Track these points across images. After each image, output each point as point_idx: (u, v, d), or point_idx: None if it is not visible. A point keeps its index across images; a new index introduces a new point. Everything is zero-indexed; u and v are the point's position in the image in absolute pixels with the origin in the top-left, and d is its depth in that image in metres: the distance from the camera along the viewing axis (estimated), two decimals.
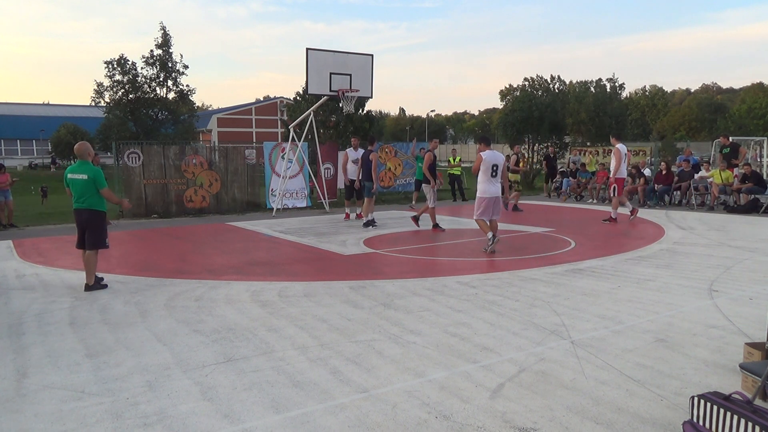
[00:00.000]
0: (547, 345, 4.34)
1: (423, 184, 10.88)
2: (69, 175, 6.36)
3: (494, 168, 8.16)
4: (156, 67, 34.90)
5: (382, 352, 4.24)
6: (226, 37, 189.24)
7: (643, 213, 13.28)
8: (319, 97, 14.34)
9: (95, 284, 6.40)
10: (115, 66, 34.24)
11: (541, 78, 35.00)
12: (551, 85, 34.94)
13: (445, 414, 3.23)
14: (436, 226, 10.70)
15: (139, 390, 3.60)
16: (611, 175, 11.80)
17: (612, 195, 11.90)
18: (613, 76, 40.96)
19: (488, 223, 8.42)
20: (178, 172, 14.29)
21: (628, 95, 58.03)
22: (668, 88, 79.83)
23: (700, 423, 2.74)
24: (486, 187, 8.26)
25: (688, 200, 14.77)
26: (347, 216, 12.86)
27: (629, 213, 11.79)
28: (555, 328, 4.74)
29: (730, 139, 16.32)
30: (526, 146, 32.10)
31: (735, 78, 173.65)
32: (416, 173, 15.57)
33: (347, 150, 12.83)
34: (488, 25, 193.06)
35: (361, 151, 12.53)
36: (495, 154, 8.26)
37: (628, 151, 12.24)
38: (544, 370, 3.86)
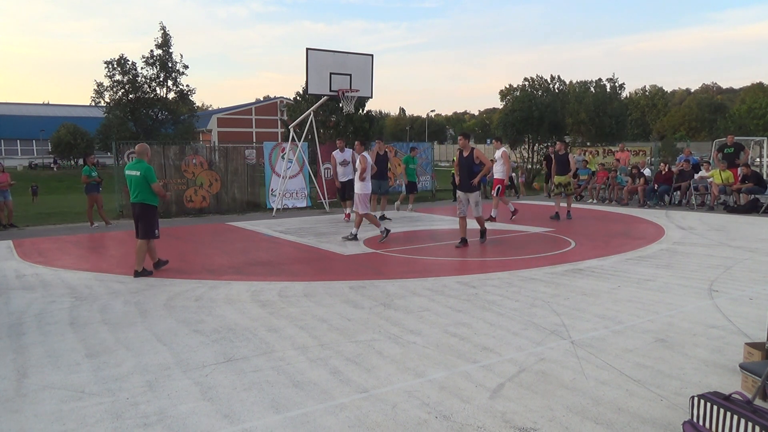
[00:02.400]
0: (547, 345, 4.34)
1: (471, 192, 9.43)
2: (126, 172, 7.20)
3: (372, 167, 9.85)
4: (156, 67, 34.96)
5: (382, 352, 4.24)
6: (226, 37, 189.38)
7: (643, 213, 13.28)
8: (319, 97, 14.34)
9: (143, 271, 7.07)
10: (115, 66, 34.30)
11: (541, 78, 34.97)
12: (551, 85, 34.90)
13: (445, 414, 3.23)
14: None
15: (139, 390, 3.60)
16: (498, 177, 12.02)
17: (495, 194, 12.19)
18: (613, 76, 40.85)
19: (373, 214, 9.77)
20: (178, 172, 14.30)
21: (628, 95, 58.00)
22: (668, 88, 79.96)
23: (700, 423, 2.74)
24: (368, 184, 9.57)
25: (688, 200, 14.77)
26: (347, 216, 12.76)
27: (492, 217, 11.69)
28: (555, 328, 4.74)
29: (735, 139, 16.27)
30: (526, 146, 32.07)
31: (735, 78, 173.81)
32: (409, 175, 15.21)
33: (333, 153, 12.53)
34: (488, 26, 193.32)
35: (348, 152, 12.26)
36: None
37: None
38: (544, 370, 3.86)
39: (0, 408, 3.38)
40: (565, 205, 12.52)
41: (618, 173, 16.35)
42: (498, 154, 12.19)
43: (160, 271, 7.30)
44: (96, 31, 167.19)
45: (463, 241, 8.86)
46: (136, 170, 7.04)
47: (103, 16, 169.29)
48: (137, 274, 7.00)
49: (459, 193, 9.12)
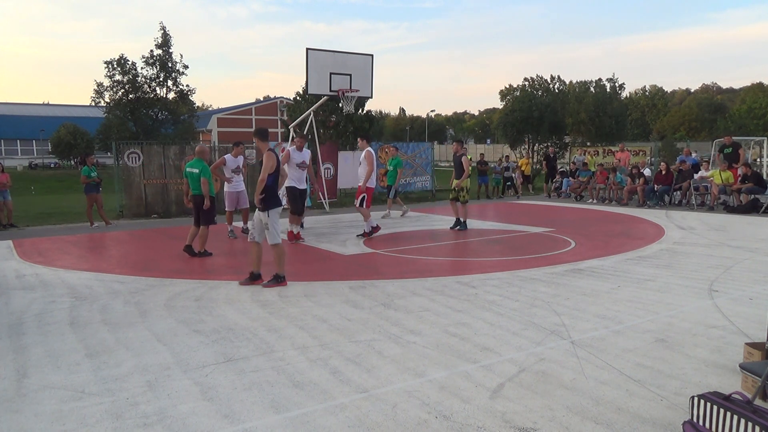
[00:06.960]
0: (547, 345, 4.34)
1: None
2: (187, 169, 8.46)
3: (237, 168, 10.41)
4: (156, 67, 34.93)
5: (382, 352, 4.24)
6: (226, 37, 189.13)
7: (643, 213, 13.28)
8: (319, 97, 14.34)
9: (205, 252, 8.45)
10: (115, 66, 34.27)
11: (541, 78, 35.03)
12: (551, 85, 34.95)
13: (445, 414, 3.23)
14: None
15: (139, 390, 3.60)
16: (362, 183, 9.96)
17: (359, 205, 10.01)
18: (613, 76, 40.89)
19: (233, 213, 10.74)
20: (178, 172, 14.27)
21: (628, 95, 58.05)
22: (668, 88, 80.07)
23: (700, 423, 2.74)
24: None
25: (688, 200, 14.77)
26: (295, 235, 10.22)
27: (371, 229, 10.00)
28: (555, 328, 4.74)
29: (732, 139, 16.32)
30: (526, 146, 32.08)
31: (735, 78, 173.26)
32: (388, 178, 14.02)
33: (225, 156, 10.58)
34: (488, 26, 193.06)
35: (306, 153, 10.05)
36: (234, 159, 10.47)
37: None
38: (544, 370, 3.86)
39: (0, 408, 3.38)
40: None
41: (618, 173, 16.36)
42: (361, 156, 10.08)
43: (160, 271, 7.30)
44: (96, 31, 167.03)
45: (253, 276, 6.57)
46: (195, 168, 8.36)
47: (103, 16, 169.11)
48: (200, 255, 8.34)
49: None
